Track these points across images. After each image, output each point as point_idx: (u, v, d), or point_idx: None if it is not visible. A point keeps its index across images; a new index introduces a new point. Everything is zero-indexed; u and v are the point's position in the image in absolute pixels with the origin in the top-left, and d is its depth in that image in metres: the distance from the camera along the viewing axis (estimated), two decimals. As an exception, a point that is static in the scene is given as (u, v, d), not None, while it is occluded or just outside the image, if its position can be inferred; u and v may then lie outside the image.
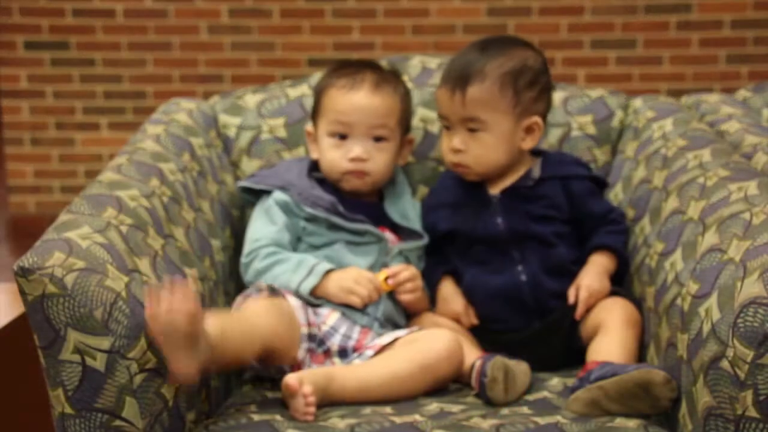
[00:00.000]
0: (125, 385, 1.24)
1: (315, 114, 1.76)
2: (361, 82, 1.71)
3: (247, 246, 1.68)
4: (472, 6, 3.62)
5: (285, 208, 1.69)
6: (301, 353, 1.53)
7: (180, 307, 1.24)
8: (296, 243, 1.69)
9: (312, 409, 1.37)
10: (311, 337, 1.56)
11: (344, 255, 1.66)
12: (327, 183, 1.74)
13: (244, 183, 1.76)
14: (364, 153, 1.69)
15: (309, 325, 1.56)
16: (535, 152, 1.76)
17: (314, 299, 1.61)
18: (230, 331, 1.38)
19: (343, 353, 1.58)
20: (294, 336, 1.52)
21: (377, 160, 1.70)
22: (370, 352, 1.55)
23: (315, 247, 1.68)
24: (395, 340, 1.56)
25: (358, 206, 1.71)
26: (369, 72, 1.73)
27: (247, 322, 1.46)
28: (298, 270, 1.61)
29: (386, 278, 1.63)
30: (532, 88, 1.66)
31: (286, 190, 1.70)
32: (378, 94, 1.70)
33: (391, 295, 1.65)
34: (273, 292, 1.57)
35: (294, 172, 1.73)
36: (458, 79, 1.65)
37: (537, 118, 1.68)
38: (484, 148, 1.66)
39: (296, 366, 1.53)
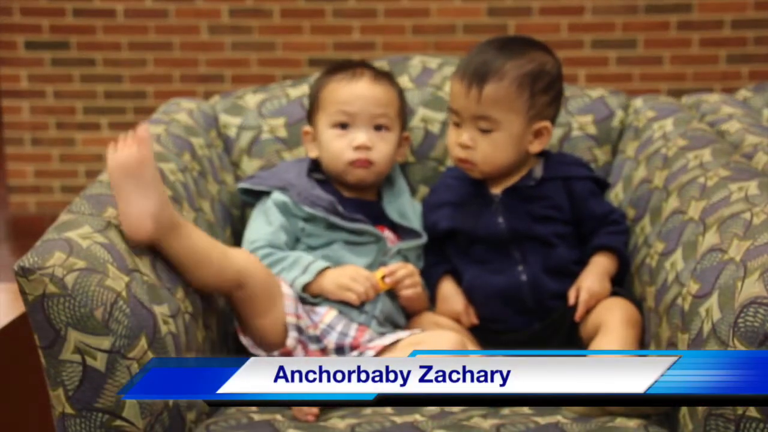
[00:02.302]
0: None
1: (312, 112, 1.76)
2: (361, 74, 1.73)
3: (244, 248, 1.68)
4: (473, 6, 3.62)
5: (283, 208, 1.69)
6: (290, 342, 1.54)
7: (131, 146, 1.36)
8: (294, 244, 1.69)
9: (315, 410, 1.37)
10: (300, 330, 1.56)
11: (342, 255, 1.66)
12: (326, 183, 1.74)
13: (243, 184, 1.76)
14: (368, 141, 1.69)
15: (297, 317, 1.56)
16: (538, 152, 1.76)
17: (310, 297, 1.61)
18: (202, 235, 1.47)
19: (340, 350, 1.58)
20: (275, 292, 1.54)
21: (380, 148, 1.71)
22: (371, 353, 1.55)
23: (313, 248, 1.68)
24: (397, 341, 1.56)
25: (357, 205, 1.72)
26: (366, 68, 1.76)
27: (223, 247, 1.51)
28: (293, 269, 1.62)
29: (383, 277, 1.63)
30: (548, 92, 1.66)
31: (285, 190, 1.70)
32: (378, 84, 1.72)
33: (390, 293, 1.65)
34: None
35: (293, 172, 1.73)
36: (476, 75, 1.64)
37: (547, 123, 1.67)
38: (492, 147, 1.66)
39: (287, 354, 1.54)
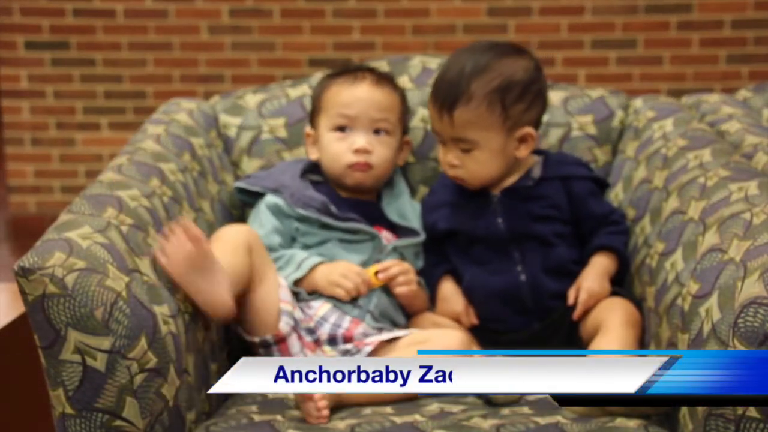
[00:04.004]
0: (126, 385, 1.24)
1: (314, 114, 1.76)
2: (363, 78, 1.73)
3: None
4: (473, 6, 3.63)
5: (275, 210, 1.70)
6: (284, 326, 1.55)
7: (185, 242, 1.38)
8: (290, 244, 1.70)
9: (325, 413, 1.37)
10: (296, 322, 1.58)
11: (337, 253, 1.67)
12: (321, 184, 1.75)
13: (239, 184, 1.77)
14: (367, 144, 1.69)
15: (292, 306, 1.58)
16: (537, 151, 1.76)
17: (305, 294, 1.63)
18: (232, 258, 1.51)
19: (333, 341, 1.59)
20: (266, 261, 1.58)
21: (380, 152, 1.71)
22: (368, 348, 1.55)
23: (308, 247, 1.69)
24: (395, 339, 1.56)
25: (354, 205, 1.72)
26: (368, 71, 1.76)
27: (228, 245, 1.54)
28: (287, 266, 1.64)
29: (376, 273, 1.64)
30: (522, 100, 1.64)
31: (278, 192, 1.71)
32: (379, 88, 1.73)
33: (387, 291, 1.65)
34: None
35: (288, 174, 1.74)
36: (444, 100, 1.63)
37: (529, 129, 1.66)
38: (478, 164, 1.66)
39: (281, 341, 1.55)
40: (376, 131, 1.71)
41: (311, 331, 1.59)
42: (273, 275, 1.59)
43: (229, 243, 1.53)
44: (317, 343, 1.59)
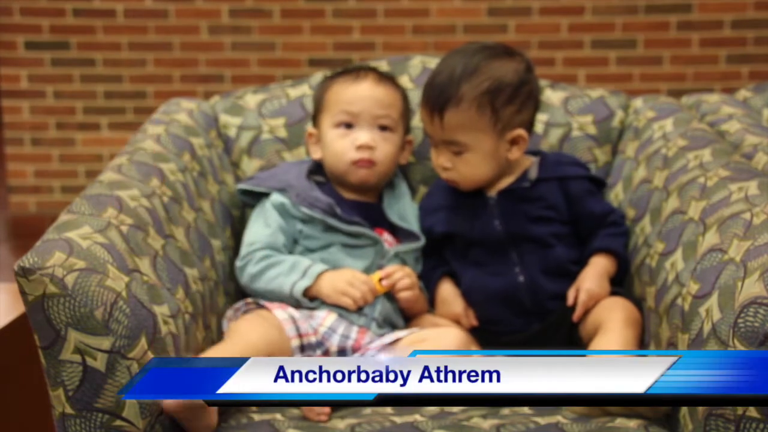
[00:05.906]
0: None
1: (317, 114, 1.76)
2: (365, 76, 1.74)
3: (243, 249, 1.68)
4: (473, 6, 3.62)
5: (281, 210, 1.69)
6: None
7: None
8: (292, 246, 1.69)
9: (327, 410, 1.37)
10: (303, 348, 1.56)
11: (340, 258, 1.66)
12: (326, 185, 1.74)
13: (242, 185, 1.77)
14: (371, 140, 1.69)
15: (300, 336, 1.56)
16: (533, 152, 1.76)
17: (308, 302, 1.61)
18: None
19: (342, 353, 1.58)
20: (285, 347, 1.53)
21: (383, 149, 1.71)
22: (372, 353, 1.54)
23: (311, 250, 1.68)
24: (397, 340, 1.56)
25: (356, 207, 1.72)
26: (370, 70, 1.76)
27: (242, 339, 1.46)
28: (291, 273, 1.62)
29: (380, 279, 1.63)
30: (512, 103, 1.64)
31: (284, 191, 1.70)
32: (381, 85, 1.73)
33: (389, 296, 1.65)
34: (259, 306, 1.59)
35: (293, 174, 1.74)
36: (435, 103, 1.64)
37: (520, 131, 1.66)
38: (469, 166, 1.66)
39: None
40: (380, 128, 1.71)
41: (319, 344, 1.58)
42: (287, 342, 1.54)
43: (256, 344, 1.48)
44: (326, 355, 1.57)
